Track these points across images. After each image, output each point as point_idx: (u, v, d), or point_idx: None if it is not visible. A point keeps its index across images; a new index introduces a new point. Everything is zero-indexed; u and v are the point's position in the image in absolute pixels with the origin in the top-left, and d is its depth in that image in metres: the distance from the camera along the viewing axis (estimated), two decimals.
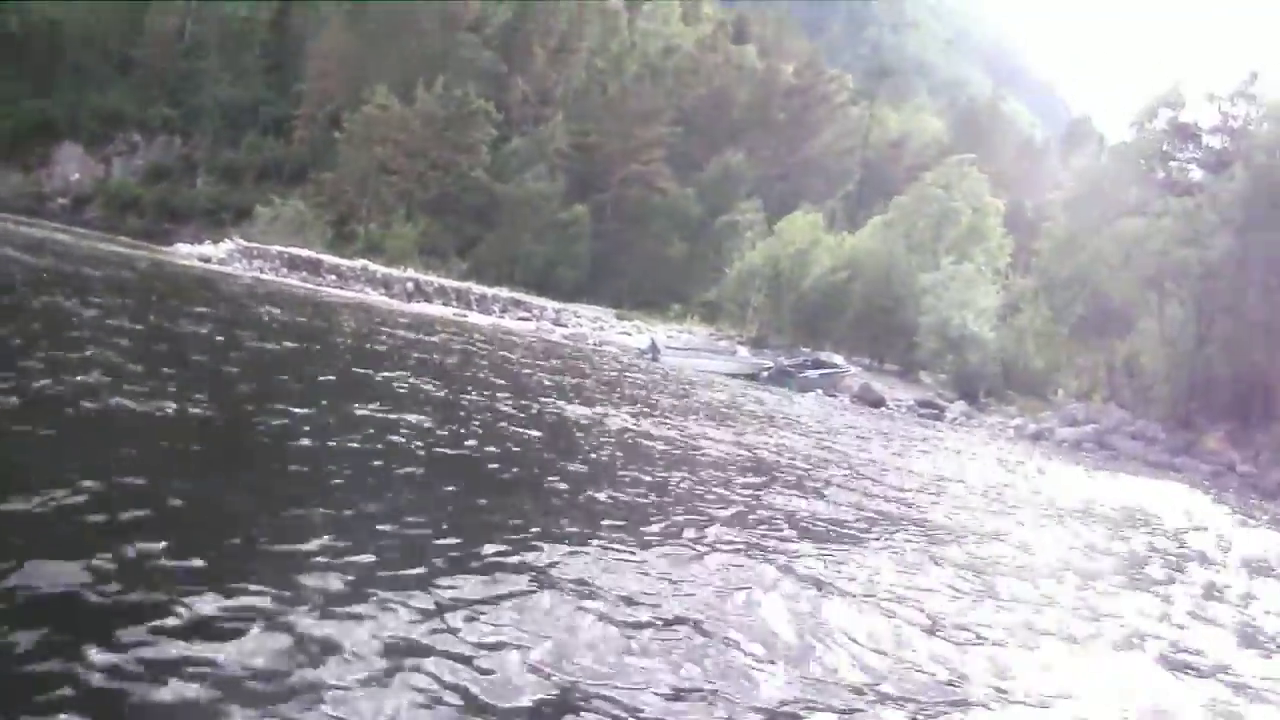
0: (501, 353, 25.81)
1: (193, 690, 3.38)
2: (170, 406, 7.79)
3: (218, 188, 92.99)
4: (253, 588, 4.27)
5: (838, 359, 47.67)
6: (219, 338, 14.78)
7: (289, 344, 16.62)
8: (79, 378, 7.99)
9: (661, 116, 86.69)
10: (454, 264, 72.18)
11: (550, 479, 8.52)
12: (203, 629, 3.79)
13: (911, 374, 54.52)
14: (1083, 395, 51.85)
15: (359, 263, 55.50)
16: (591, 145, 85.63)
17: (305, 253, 54.94)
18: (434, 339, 26.13)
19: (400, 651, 4.04)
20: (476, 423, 10.83)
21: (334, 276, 52.84)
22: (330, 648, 3.91)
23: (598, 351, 41.47)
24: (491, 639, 4.40)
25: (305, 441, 7.82)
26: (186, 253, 53.52)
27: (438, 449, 8.63)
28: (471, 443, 9.34)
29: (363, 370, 13.87)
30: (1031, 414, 46.00)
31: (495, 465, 8.45)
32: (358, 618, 4.26)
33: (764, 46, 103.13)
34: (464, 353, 23.05)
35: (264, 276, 48.34)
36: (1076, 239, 51.78)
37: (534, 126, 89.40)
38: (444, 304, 53.43)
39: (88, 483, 5.21)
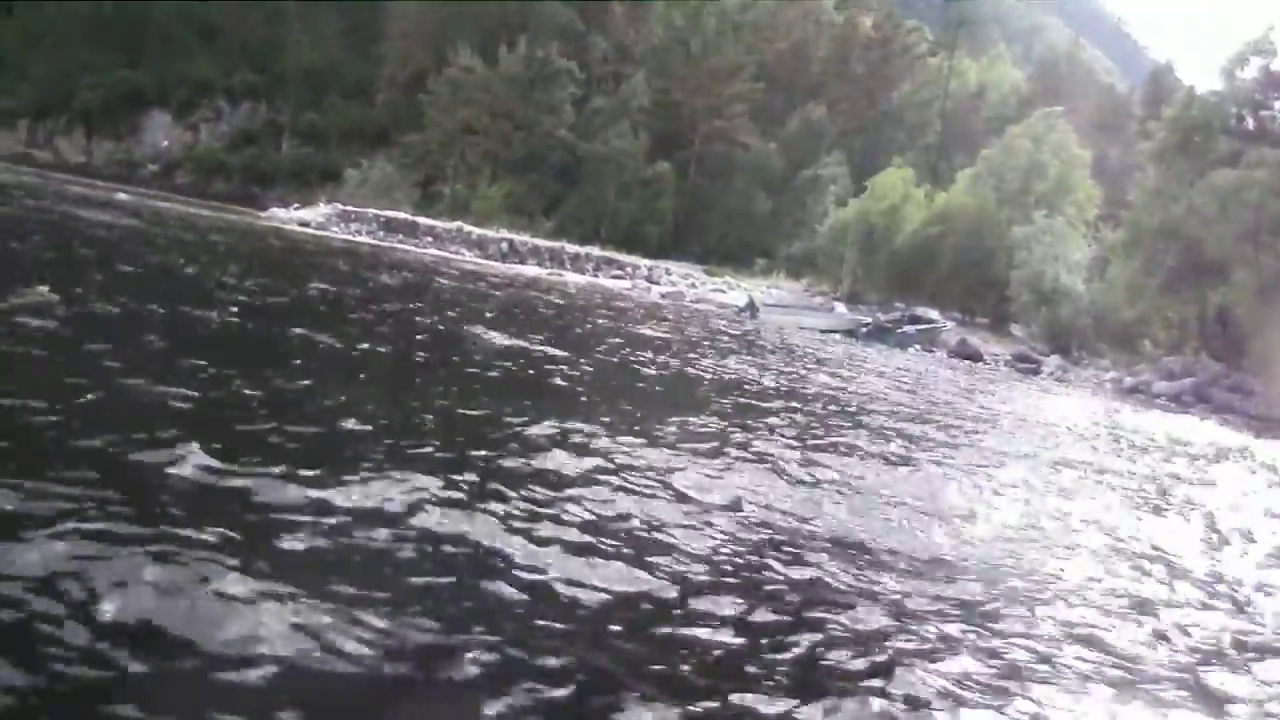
0: (609, 312, 26.83)
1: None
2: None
3: (302, 151, 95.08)
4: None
5: (933, 314, 48.52)
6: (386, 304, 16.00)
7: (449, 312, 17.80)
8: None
9: (743, 72, 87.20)
10: (539, 223, 73.17)
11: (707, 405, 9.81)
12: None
13: (1002, 328, 55.03)
14: (1173, 347, 52.22)
15: (454, 224, 56.91)
16: (674, 102, 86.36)
17: (402, 215, 56.48)
18: (552, 297, 27.28)
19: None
20: (629, 383, 11.93)
21: (430, 238, 54.21)
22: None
23: (698, 310, 42.58)
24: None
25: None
26: (285, 217, 54.99)
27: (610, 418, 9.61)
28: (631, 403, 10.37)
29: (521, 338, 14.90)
30: (1125, 367, 46.49)
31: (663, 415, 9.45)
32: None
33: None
34: (579, 312, 24.14)
35: (362, 239, 49.66)
36: (1166, 190, 51.81)
37: (614, 85, 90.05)
38: (537, 264, 54.69)
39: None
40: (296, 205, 62.24)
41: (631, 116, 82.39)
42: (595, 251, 59.68)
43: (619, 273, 56.99)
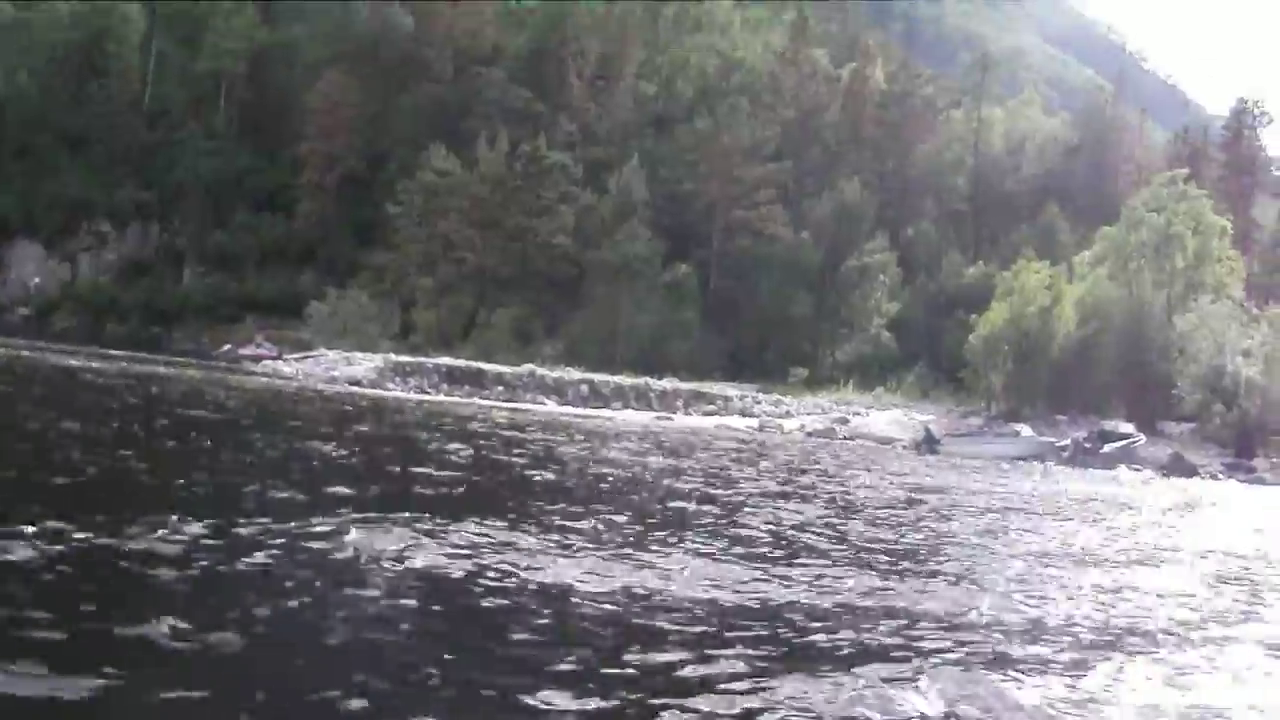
0: (818, 469, 29.42)
1: None
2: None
3: (212, 279, 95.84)
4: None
5: (1127, 427, 53.44)
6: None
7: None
8: None
9: (764, 149, 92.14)
10: (540, 347, 76.18)
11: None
12: None
13: (1154, 430, 59.76)
14: None
15: (525, 368, 60.55)
16: (687, 193, 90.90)
17: (465, 364, 59.90)
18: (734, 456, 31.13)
19: None
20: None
21: (501, 387, 57.62)
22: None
23: (864, 449, 46.69)
24: None
25: None
26: (294, 372, 56.55)
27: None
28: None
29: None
30: None
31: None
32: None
33: (833, 50, 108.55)
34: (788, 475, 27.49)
35: (427, 396, 52.44)
36: None
37: (584, 172, 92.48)
38: (623, 405, 58.64)
39: None
40: (277, 352, 65.18)
41: (638, 213, 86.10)
42: (681, 386, 63.88)
43: (711, 407, 61.11)
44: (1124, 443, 51.04)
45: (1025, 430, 53.89)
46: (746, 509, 16.82)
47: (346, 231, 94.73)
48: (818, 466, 30.28)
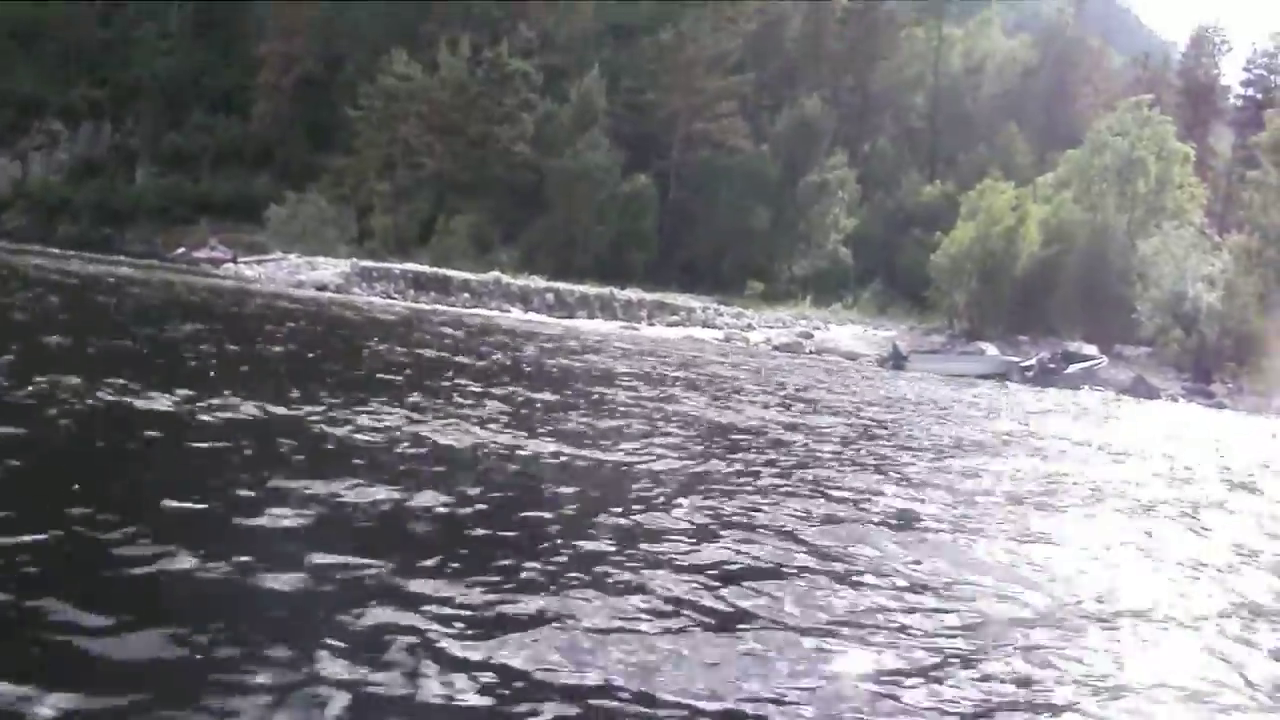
0: (789, 385, 28.97)
1: None
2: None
3: (166, 180, 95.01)
4: None
5: (1090, 349, 54.09)
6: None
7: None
8: None
9: (727, 61, 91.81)
10: (497, 254, 75.91)
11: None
12: None
13: (1118, 354, 60.48)
14: None
15: (490, 275, 60.59)
16: (648, 104, 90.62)
17: (431, 270, 59.81)
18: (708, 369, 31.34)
19: None
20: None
21: (466, 294, 57.60)
22: None
23: (836, 365, 46.91)
24: None
25: None
26: (255, 275, 56.37)
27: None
28: None
29: None
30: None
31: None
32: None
33: None
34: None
35: (392, 301, 52.11)
36: None
37: (543, 80, 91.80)
38: (587, 315, 58.70)
39: None
40: (241, 255, 64.63)
41: (599, 122, 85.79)
42: (646, 296, 63.97)
43: (675, 318, 61.33)
44: (1087, 364, 51.72)
45: (990, 349, 54.35)
46: None
47: (303, 134, 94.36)
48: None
